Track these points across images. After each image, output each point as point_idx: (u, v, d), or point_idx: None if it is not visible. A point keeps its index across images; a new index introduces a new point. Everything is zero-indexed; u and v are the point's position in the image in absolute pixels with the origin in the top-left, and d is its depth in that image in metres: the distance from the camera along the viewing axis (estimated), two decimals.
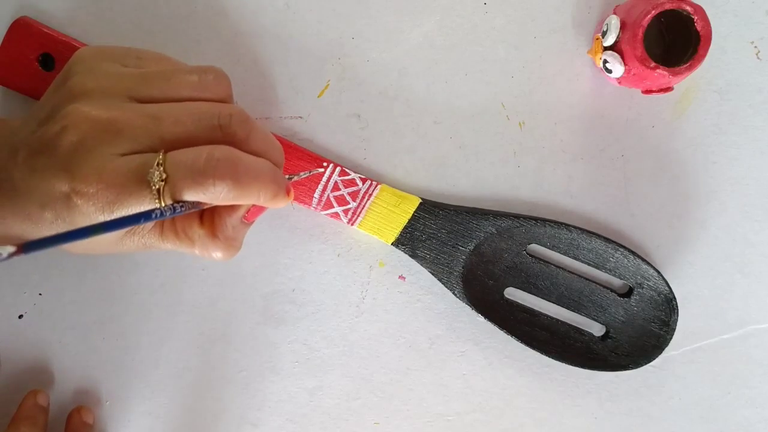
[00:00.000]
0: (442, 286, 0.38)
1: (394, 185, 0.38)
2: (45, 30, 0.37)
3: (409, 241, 0.38)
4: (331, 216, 0.38)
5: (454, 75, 0.39)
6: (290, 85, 0.39)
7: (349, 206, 0.38)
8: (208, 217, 0.31)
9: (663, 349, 0.38)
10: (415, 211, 0.38)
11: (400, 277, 0.39)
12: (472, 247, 0.38)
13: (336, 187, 0.37)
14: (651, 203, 0.39)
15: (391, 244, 0.38)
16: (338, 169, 0.38)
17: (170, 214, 0.27)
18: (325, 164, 0.38)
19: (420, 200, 0.38)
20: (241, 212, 0.31)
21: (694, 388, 0.39)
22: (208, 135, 0.28)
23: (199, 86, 0.30)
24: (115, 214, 0.27)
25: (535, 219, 0.38)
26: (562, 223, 0.38)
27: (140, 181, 0.27)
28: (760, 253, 0.39)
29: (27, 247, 0.22)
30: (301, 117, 0.39)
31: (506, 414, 0.40)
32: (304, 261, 0.39)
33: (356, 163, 0.39)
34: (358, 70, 0.39)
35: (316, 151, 0.38)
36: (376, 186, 0.38)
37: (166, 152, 0.27)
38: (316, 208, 0.38)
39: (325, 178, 0.37)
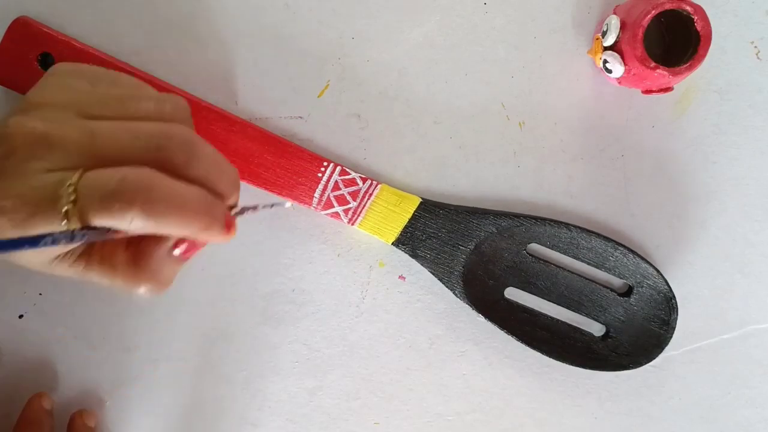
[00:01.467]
0: (442, 286, 0.38)
1: (395, 185, 0.38)
2: (45, 30, 0.37)
3: (409, 240, 0.38)
4: (332, 216, 0.38)
5: (454, 75, 0.39)
6: (290, 85, 0.39)
7: (349, 206, 0.38)
8: (132, 245, 0.28)
9: (663, 349, 0.38)
10: (415, 211, 0.38)
11: (400, 277, 0.39)
12: (472, 247, 0.38)
13: (336, 187, 0.37)
14: (651, 203, 0.39)
15: (392, 243, 0.38)
16: (338, 168, 0.37)
17: (66, 241, 0.25)
18: (325, 164, 0.37)
19: (420, 200, 0.38)
20: (167, 245, 0.28)
21: (694, 388, 0.39)
22: (142, 156, 0.26)
23: (154, 114, 0.28)
24: (27, 233, 0.25)
25: (535, 218, 0.38)
26: (561, 223, 0.38)
27: (51, 201, 0.25)
28: (760, 253, 0.39)
29: None
30: (301, 117, 0.39)
31: (506, 414, 0.40)
32: (304, 261, 0.39)
33: (356, 163, 0.39)
34: (358, 70, 0.39)
35: (316, 151, 0.38)
36: (376, 185, 0.38)
37: (86, 170, 0.25)
38: (316, 208, 0.38)
39: (325, 178, 0.37)
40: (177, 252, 0.28)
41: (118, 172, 0.25)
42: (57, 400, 0.39)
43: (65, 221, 0.25)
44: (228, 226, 0.27)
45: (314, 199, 0.37)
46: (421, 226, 0.38)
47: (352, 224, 0.38)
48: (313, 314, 0.39)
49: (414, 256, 0.38)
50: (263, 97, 0.38)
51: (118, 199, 0.24)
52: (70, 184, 0.25)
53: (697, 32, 0.34)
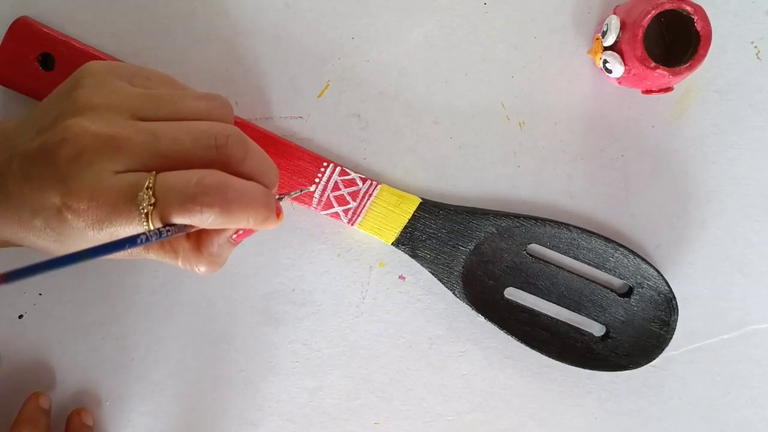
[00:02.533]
0: (442, 286, 0.38)
1: (394, 185, 0.38)
2: (45, 30, 0.37)
3: (409, 241, 0.38)
4: (331, 216, 0.38)
5: (454, 75, 0.39)
6: (290, 85, 0.39)
7: (349, 206, 0.38)
8: (195, 232, 0.31)
9: (663, 349, 0.38)
10: (415, 211, 0.38)
11: (400, 277, 0.39)
12: (472, 247, 0.38)
13: (336, 187, 0.37)
14: (651, 203, 0.39)
15: (391, 244, 0.38)
16: (338, 169, 0.37)
17: (156, 239, 0.27)
18: (325, 164, 0.37)
19: (420, 200, 0.38)
20: (228, 233, 0.31)
21: (694, 388, 0.39)
22: (204, 154, 0.28)
23: (205, 112, 0.30)
24: (104, 232, 0.27)
25: (535, 219, 0.38)
26: (562, 223, 0.38)
27: (130, 202, 0.27)
28: (760, 253, 0.39)
29: (9, 276, 0.22)
30: (301, 117, 0.39)
31: (506, 414, 0.40)
32: (304, 261, 0.39)
33: (356, 163, 0.39)
34: (358, 70, 0.39)
35: (316, 151, 0.38)
36: (376, 186, 0.38)
37: (158, 172, 0.27)
38: (316, 208, 0.38)
39: (325, 178, 0.37)
40: (234, 237, 0.31)
41: (194, 174, 0.27)
42: (57, 399, 0.39)
43: (145, 222, 0.27)
44: (278, 215, 0.30)
45: (314, 199, 0.37)
46: (420, 226, 0.38)
47: (352, 224, 0.38)
48: (313, 314, 0.39)
49: (414, 256, 0.38)
50: (263, 97, 0.38)
51: (199, 201, 0.27)
52: (148, 187, 0.27)
53: (697, 32, 0.34)
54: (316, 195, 0.38)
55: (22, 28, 0.37)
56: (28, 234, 0.29)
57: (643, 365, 0.38)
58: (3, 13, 0.37)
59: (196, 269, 0.31)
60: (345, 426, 0.40)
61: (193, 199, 0.27)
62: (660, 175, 0.39)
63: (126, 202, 0.27)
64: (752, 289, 0.40)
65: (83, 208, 0.27)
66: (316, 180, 0.37)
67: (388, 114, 0.39)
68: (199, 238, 0.31)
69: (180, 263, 0.31)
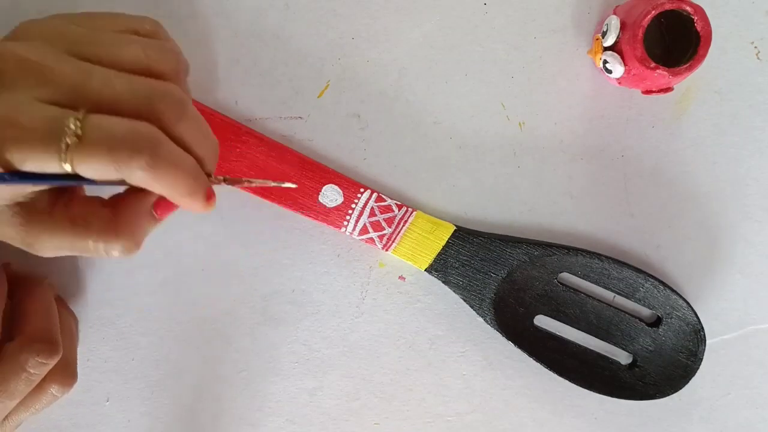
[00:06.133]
0: (442, 286, 0.38)
1: (394, 186, 0.38)
2: None
3: (442, 267, 0.38)
4: (367, 241, 0.38)
5: (454, 75, 0.39)
6: (290, 85, 0.39)
7: (384, 232, 0.38)
8: (111, 201, 0.28)
9: (690, 379, 0.38)
10: (449, 238, 0.38)
11: (400, 277, 0.39)
12: (504, 275, 0.38)
13: (372, 213, 0.37)
14: (651, 203, 0.39)
15: (425, 270, 0.38)
16: (375, 195, 0.37)
17: (59, 180, 0.24)
18: (362, 190, 0.37)
19: (454, 227, 0.38)
20: (148, 201, 0.28)
21: (694, 388, 0.39)
22: (135, 105, 0.26)
23: (144, 57, 0.28)
24: (7, 157, 0.25)
25: (567, 248, 0.38)
26: (593, 253, 0.38)
27: (50, 132, 0.24)
28: (760, 253, 0.39)
29: None
30: (301, 117, 0.39)
31: (506, 414, 0.40)
32: (304, 261, 0.39)
33: (356, 163, 0.39)
34: (358, 70, 0.39)
35: (316, 151, 0.38)
36: (411, 212, 0.38)
37: (87, 113, 0.25)
38: (351, 234, 0.38)
39: (361, 204, 0.37)
40: (157, 211, 0.29)
41: (126, 120, 0.25)
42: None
43: (64, 158, 0.24)
44: (209, 197, 0.28)
45: (349, 224, 0.38)
46: (454, 253, 0.38)
47: (387, 250, 0.38)
48: (313, 314, 0.39)
49: (446, 282, 0.38)
50: (263, 97, 0.38)
51: (128, 147, 0.25)
52: (77, 119, 0.25)
53: (697, 32, 0.34)
54: (352, 220, 0.37)
55: None
56: None
57: (669, 394, 0.38)
58: (3, 14, 0.37)
59: (112, 249, 0.28)
60: (345, 426, 0.40)
61: (121, 143, 0.25)
62: (660, 175, 0.39)
63: (45, 131, 0.24)
64: (752, 289, 0.40)
65: (10, 135, 0.24)
66: (353, 205, 0.37)
67: (388, 114, 0.39)
68: (116, 208, 0.28)
69: (91, 241, 0.27)
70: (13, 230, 0.27)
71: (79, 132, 0.24)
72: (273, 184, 0.32)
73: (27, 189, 0.26)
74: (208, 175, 0.29)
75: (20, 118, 0.25)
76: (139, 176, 0.25)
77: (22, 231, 0.27)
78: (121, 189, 0.29)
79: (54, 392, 0.34)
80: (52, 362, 0.32)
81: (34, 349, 0.32)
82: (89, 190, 0.30)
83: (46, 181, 0.25)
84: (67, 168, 0.25)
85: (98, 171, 0.25)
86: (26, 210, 0.27)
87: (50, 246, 0.28)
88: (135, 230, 0.28)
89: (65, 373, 0.34)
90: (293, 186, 0.34)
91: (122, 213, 0.28)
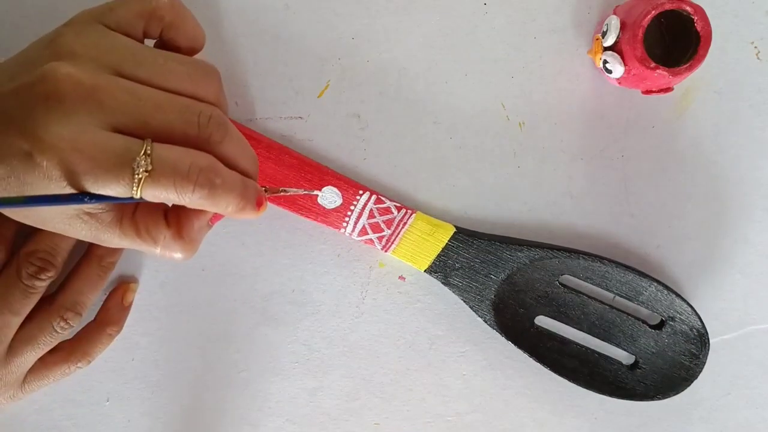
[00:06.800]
0: (442, 286, 0.38)
1: (394, 186, 0.38)
2: None
3: (442, 268, 0.38)
4: (366, 242, 0.38)
5: (454, 75, 0.39)
6: (290, 85, 0.39)
7: (383, 233, 0.38)
8: (174, 217, 0.30)
9: (691, 382, 0.38)
10: (449, 240, 0.38)
11: (400, 277, 0.39)
12: (504, 276, 0.38)
13: (371, 215, 0.37)
14: (651, 203, 0.39)
15: (424, 271, 0.38)
16: (374, 197, 0.37)
17: (101, 201, 0.26)
18: (361, 191, 0.38)
19: (454, 229, 0.38)
20: (208, 216, 0.31)
21: (694, 389, 0.39)
22: (185, 129, 0.28)
23: (188, 78, 0.29)
24: (73, 188, 0.26)
25: (569, 251, 0.38)
26: (596, 256, 0.38)
27: (123, 164, 0.26)
28: (760, 253, 0.39)
29: None
30: (301, 117, 0.39)
31: (506, 414, 0.40)
32: (304, 261, 0.39)
33: (356, 163, 0.39)
34: (358, 70, 0.39)
35: (316, 152, 0.38)
36: (411, 214, 0.38)
37: (153, 143, 0.27)
38: (350, 235, 0.38)
39: (360, 206, 0.37)
40: (210, 220, 0.31)
41: (187, 153, 0.27)
42: (56, 398, 0.39)
43: (136, 188, 0.26)
44: (259, 204, 0.30)
45: (349, 225, 0.37)
46: (454, 254, 0.38)
47: (386, 251, 0.38)
48: (313, 314, 0.39)
49: (446, 284, 0.38)
50: (263, 97, 0.38)
51: (193, 181, 0.27)
52: (147, 153, 0.26)
53: (697, 32, 0.34)
54: (351, 221, 0.37)
55: None
56: None
57: (670, 396, 0.38)
58: (3, 14, 0.37)
59: (175, 255, 0.30)
60: (345, 426, 0.40)
61: (186, 178, 0.27)
62: (660, 175, 0.39)
63: (118, 163, 0.26)
64: (752, 289, 0.40)
65: (61, 156, 0.25)
66: (352, 207, 0.37)
67: (388, 114, 0.39)
68: (179, 224, 0.30)
69: (158, 250, 0.30)
70: (84, 233, 0.29)
71: (149, 167, 0.26)
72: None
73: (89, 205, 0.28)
74: (264, 189, 0.31)
75: (88, 148, 0.26)
76: (198, 204, 0.28)
77: (92, 236, 0.29)
78: None
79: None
80: (50, 275, 0.34)
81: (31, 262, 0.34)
82: None
83: (106, 200, 0.27)
84: (136, 196, 0.26)
85: (160, 198, 0.27)
86: (95, 219, 0.29)
87: (118, 244, 0.30)
88: (195, 243, 0.31)
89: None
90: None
91: (185, 229, 0.30)
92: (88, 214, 0.28)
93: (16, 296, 0.34)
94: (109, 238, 0.29)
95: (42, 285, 0.35)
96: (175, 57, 0.30)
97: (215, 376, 0.40)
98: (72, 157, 0.25)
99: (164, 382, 0.39)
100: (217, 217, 0.32)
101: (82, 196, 0.26)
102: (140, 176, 0.26)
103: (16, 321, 0.34)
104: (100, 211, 0.28)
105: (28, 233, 0.35)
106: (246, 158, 0.30)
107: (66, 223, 0.28)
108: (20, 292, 0.34)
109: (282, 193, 0.33)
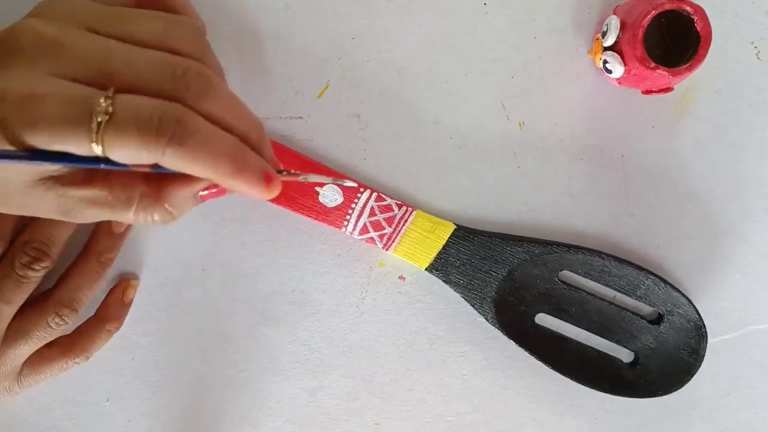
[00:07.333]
0: (442, 285, 0.38)
1: (394, 186, 0.38)
2: None
3: (443, 266, 0.38)
4: (367, 241, 0.38)
5: (454, 75, 0.39)
6: (290, 85, 0.39)
7: (384, 231, 0.38)
8: (154, 181, 0.27)
9: (692, 376, 0.38)
10: (449, 237, 0.38)
11: (400, 277, 0.39)
12: (504, 273, 0.38)
13: (372, 213, 0.37)
14: (651, 203, 0.39)
15: (425, 269, 0.38)
16: (374, 195, 0.37)
17: (91, 163, 0.24)
18: (362, 190, 0.38)
19: (455, 226, 0.38)
20: (196, 188, 0.28)
21: (694, 388, 0.39)
22: (158, 83, 0.25)
23: (165, 33, 0.27)
24: (31, 136, 0.24)
25: (568, 246, 0.38)
26: (594, 251, 0.38)
27: (79, 111, 0.24)
28: (760, 253, 0.39)
29: None
30: (301, 117, 0.39)
31: (506, 414, 0.40)
32: (304, 261, 0.39)
33: (356, 163, 0.39)
34: (358, 70, 0.39)
35: (316, 152, 0.38)
36: (411, 212, 0.38)
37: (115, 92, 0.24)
38: (351, 233, 0.38)
39: (361, 204, 0.37)
40: (201, 195, 0.28)
41: (153, 100, 0.24)
42: (57, 398, 0.39)
43: (95, 139, 0.24)
44: (267, 179, 0.26)
45: (350, 223, 0.37)
46: (454, 252, 0.38)
47: (387, 249, 0.38)
48: (313, 314, 0.39)
49: (447, 281, 0.38)
50: (263, 97, 0.38)
51: (155, 125, 0.24)
52: (108, 96, 0.24)
53: (697, 32, 0.34)
54: (352, 220, 0.37)
55: None
56: None
57: (671, 392, 0.38)
58: (3, 14, 0.37)
59: (150, 219, 0.27)
60: (345, 426, 0.40)
61: (148, 124, 0.24)
62: (660, 175, 0.39)
63: (76, 108, 0.24)
64: (752, 289, 0.40)
65: (14, 102, 0.24)
66: (353, 205, 0.37)
67: (388, 114, 0.39)
68: (159, 187, 0.27)
69: (132, 213, 0.27)
70: (50, 203, 0.26)
71: (110, 110, 0.23)
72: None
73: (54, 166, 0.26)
74: (279, 171, 0.27)
75: (44, 97, 0.24)
76: (169, 156, 0.24)
77: (60, 202, 0.26)
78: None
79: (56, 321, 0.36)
80: (44, 265, 0.34)
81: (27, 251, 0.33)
82: None
83: (73, 163, 0.24)
84: (97, 150, 0.24)
85: (129, 153, 0.24)
86: (61, 182, 0.26)
87: (89, 216, 0.27)
88: (175, 209, 0.28)
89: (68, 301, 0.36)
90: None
91: (164, 194, 0.27)
92: (52, 178, 0.26)
93: (9, 286, 0.33)
94: (76, 203, 0.26)
95: (35, 275, 0.34)
96: (152, 13, 0.27)
97: (215, 376, 0.40)
98: (24, 103, 0.24)
99: (164, 382, 0.39)
100: (211, 193, 0.28)
101: (36, 153, 0.23)
102: (100, 119, 0.23)
103: (10, 310, 0.34)
104: (64, 172, 0.26)
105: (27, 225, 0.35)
106: (241, 120, 0.27)
107: (28, 194, 0.26)
108: (13, 282, 0.34)
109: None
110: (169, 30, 0.27)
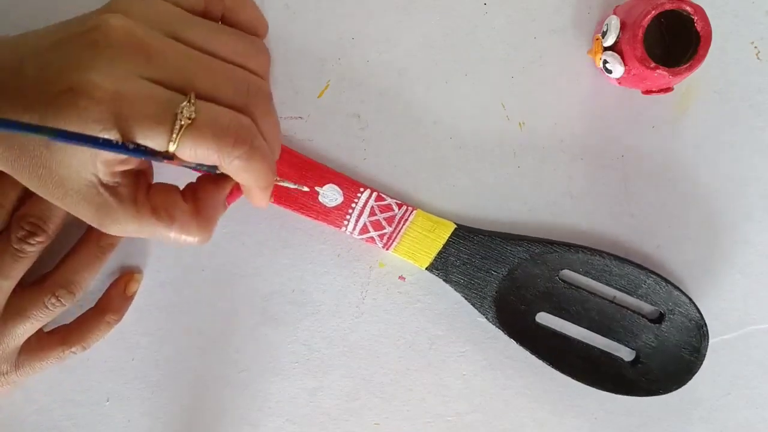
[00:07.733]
0: (443, 285, 0.38)
1: (394, 186, 0.38)
2: None
3: (443, 266, 0.38)
4: (367, 240, 0.38)
5: (454, 75, 0.39)
6: (290, 85, 0.39)
7: (384, 231, 0.38)
8: (189, 194, 0.30)
9: (693, 375, 0.38)
10: (449, 237, 0.38)
11: (400, 277, 0.39)
12: (505, 273, 0.38)
13: (372, 212, 0.37)
14: (651, 203, 0.39)
15: (426, 269, 0.38)
16: (374, 194, 0.37)
17: (137, 155, 0.25)
18: (362, 189, 0.38)
19: (455, 226, 0.38)
20: (226, 192, 0.30)
21: (694, 388, 0.39)
22: (233, 98, 0.28)
23: (241, 51, 0.29)
24: (112, 133, 0.25)
25: (569, 245, 0.38)
26: (595, 250, 0.38)
27: (165, 111, 0.26)
28: (760, 253, 0.39)
29: None
30: (301, 117, 0.39)
31: (506, 414, 0.40)
32: (304, 261, 0.39)
33: (356, 163, 0.39)
34: (358, 70, 0.39)
35: (316, 152, 0.38)
36: (411, 211, 0.38)
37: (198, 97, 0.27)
38: (351, 233, 0.38)
39: (361, 203, 0.37)
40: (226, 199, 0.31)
41: (231, 111, 0.27)
42: (57, 398, 0.39)
43: (175, 134, 0.26)
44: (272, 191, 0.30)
45: (350, 223, 0.37)
46: (454, 251, 0.38)
47: (387, 249, 0.38)
48: (313, 314, 0.39)
49: (447, 281, 0.38)
50: None
51: (233, 136, 0.26)
52: (191, 101, 0.26)
53: (697, 32, 0.34)
54: (353, 219, 0.37)
55: None
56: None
57: (672, 390, 0.38)
58: (3, 14, 0.37)
59: (190, 238, 0.29)
60: (345, 426, 0.40)
61: (226, 131, 0.26)
62: (660, 175, 0.39)
63: (162, 110, 0.26)
64: (752, 289, 0.40)
65: (105, 97, 0.25)
66: (353, 205, 0.37)
67: (388, 114, 0.39)
68: (196, 201, 0.30)
69: (173, 232, 0.29)
70: (91, 209, 0.28)
71: (193, 116, 0.26)
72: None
73: (114, 167, 0.27)
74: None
75: (131, 94, 0.25)
76: (235, 165, 0.27)
77: (101, 212, 0.28)
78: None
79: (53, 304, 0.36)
80: (41, 240, 0.34)
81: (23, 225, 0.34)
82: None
83: (127, 152, 0.26)
84: (172, 148, 0.26)
85: (198, 155, 0.26)
86: (111, 193, 0.28)
87: (129, 230, 0.29)
88: (212, 223, 0.30)
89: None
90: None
91: (202, 207, 0.30)
92: (105, 186, 0.27)
93: (6, 260, 0.34)
94: (123, 216, 0.28)
95: (32, 249, 0.34)
96: (231, 30, 0.30)
97: (215, 376, 0.40)
98: (113, 100, 0.25)
99: (164, 382, 0.39)
100: (233, 196, 0.31)
101: (114, 142, 0.25)
102: (183, 123, 0.26)
103: (7, 285, 0.34)
104: (118, 183, 0.28)
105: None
106: (276, 142, 0.30)
107: (80, 194, 0.27)
108: (10, 256, 0.34)
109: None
110: (246, 49, 0.30)
